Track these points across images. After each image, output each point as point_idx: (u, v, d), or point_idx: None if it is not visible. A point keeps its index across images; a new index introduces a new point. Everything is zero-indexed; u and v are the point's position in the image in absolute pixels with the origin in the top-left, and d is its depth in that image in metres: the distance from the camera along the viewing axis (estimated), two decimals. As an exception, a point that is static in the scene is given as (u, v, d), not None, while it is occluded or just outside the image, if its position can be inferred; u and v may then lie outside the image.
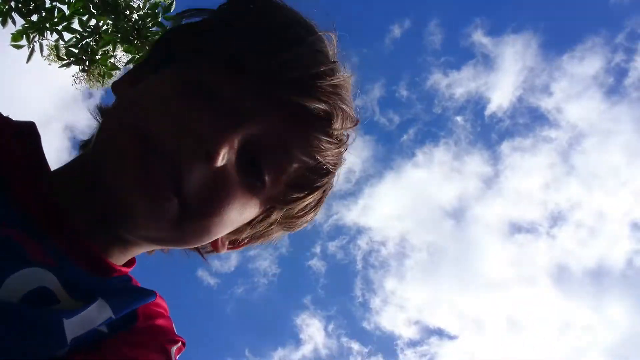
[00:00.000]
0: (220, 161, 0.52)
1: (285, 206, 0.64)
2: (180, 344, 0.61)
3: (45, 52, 3.80)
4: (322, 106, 0.58)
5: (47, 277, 0.49)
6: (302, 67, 0.57)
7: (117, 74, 4.10)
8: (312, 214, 0.70)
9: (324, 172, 0.64)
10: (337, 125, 0.60)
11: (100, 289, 0.54)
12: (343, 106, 0.61)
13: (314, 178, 0.63)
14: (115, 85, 0.65)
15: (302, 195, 0.64)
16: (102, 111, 0.63)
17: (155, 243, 0.61)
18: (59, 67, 3.86)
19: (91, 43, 3.76)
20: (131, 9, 3.71)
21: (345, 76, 0.62)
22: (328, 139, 0.60)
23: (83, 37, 3.71)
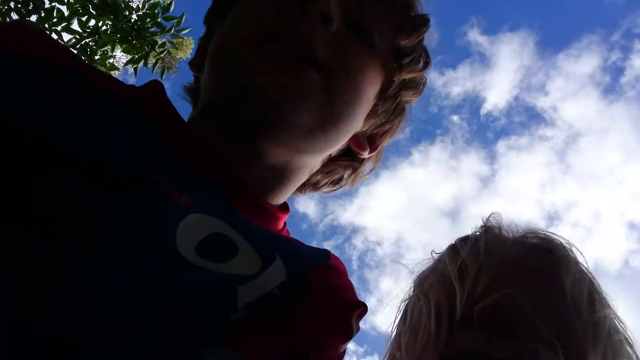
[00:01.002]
0: (335, 18, 0.53)
1: (403, 59, 0.63)
2: (362, 308, 0.54)
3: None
4: None
5: (217, 223, 0.45)
6: None
7: (116, 75, 4.10)
8: (426, 68, 0.68)
9: (419, 14, 0.64)
10: None
11: (276, 244, 0.50)
12: None
13: (413, 19, 0.63)
14: (192, 61, 0.65)
15: (412, 37, 0.63)
16: (190, 88, 0.66)
17: (311, 134, 0.55)
18: (58, 67, 3.85)
19: (90, 43, 3.75)
20: (130, 9, 3.71)
21: None
22: None
23: (82, 38, 3.70)
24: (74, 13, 3.57)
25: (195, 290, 0.39)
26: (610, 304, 0.57)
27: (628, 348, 0.56)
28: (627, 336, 0.57)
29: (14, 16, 3.53)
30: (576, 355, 0.50)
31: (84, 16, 3.61)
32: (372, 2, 0.58)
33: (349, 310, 0.52)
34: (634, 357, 0.56)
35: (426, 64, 0.67)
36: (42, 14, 3.52)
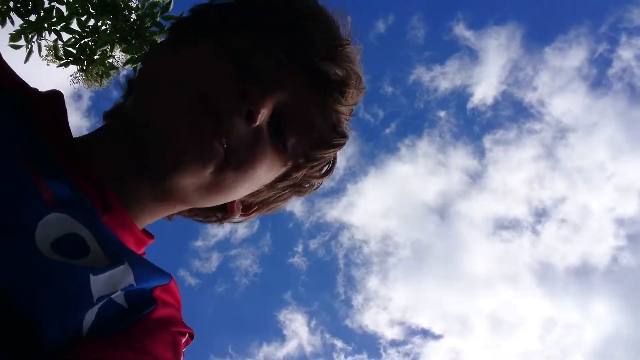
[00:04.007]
0: (259, 120, 0.59)
1: (307, 163, 0.70)
2: (187, 335, 0.60)
3: (44, 52, 3.80)
4: (340, 71, 0.66)
5: (76, 225, 0.49)
6: (323, 37, 0.65)
7: (115, 74, 4.10)
8: (325, 177, 0.76)
9: (339, 132, 0.71)
10: (351, 89, 0.68)
11: (125, 252, 0.55)
12: (357, 71, 0.69)
13: (331, 137, 0.70)
14: (149, 56, 0.70)
15: (321, 153, 0.70)
16: (134, 81, 0.69)
17: (190, 195, 0.62)
18: (57, 66, 3.86)
19: (90, 43, 3.76)
20: (129, 9, 3.72)
21: (358, 47, 0.70)
22: (343, 102, 0.68)
23: (81, 37, 3.71)
24: (73, 13, 3.58)
25: (49, 279, 0.43)
26: None
27: None
28: None
29: (14, 16, 3.54)
30: None
31: (83, 16, 3.61)
32: (302, 113, 0.64)
33: (179, 336, 0.57)
34: None
35: (327, 173, 0.76)
36: (42, 14, 3.53)
